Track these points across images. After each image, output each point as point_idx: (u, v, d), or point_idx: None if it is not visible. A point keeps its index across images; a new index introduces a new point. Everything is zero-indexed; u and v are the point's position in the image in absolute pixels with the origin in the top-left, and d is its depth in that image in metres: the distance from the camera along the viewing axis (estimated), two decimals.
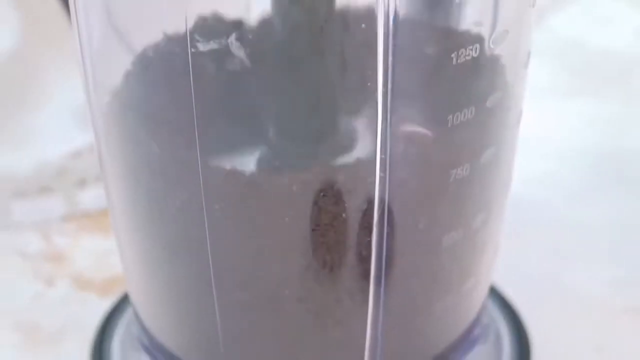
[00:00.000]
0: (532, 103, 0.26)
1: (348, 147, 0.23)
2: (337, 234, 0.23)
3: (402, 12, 0.21)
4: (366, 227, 0.23)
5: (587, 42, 0.47)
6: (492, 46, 0.23)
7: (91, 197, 0.36)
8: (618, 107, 0.42)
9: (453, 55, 0.22)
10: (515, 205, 0.28)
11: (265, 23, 0.22)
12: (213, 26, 0.23)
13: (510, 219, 0.27)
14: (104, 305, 0.31)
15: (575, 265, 0.33)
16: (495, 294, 0.31)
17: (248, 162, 0.23)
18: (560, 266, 0.33)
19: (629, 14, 0.49)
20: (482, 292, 0.27)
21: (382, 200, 0.23)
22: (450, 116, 0.23)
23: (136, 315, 0.28)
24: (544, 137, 0.39)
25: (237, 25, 0.23)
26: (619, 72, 0.44)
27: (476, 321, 0.27)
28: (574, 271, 0.33)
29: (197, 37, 0.22)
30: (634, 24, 0.48)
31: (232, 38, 0.22)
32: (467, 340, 0.27)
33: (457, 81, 0.23)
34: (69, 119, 0.37)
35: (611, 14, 0.49)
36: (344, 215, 0.23)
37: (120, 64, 0.24)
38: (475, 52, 0.22)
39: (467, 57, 0.22)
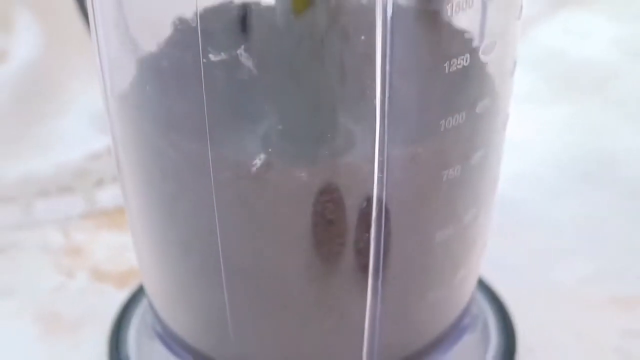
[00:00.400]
0: (515, 109, 0.26)
1: (348, 149, 0.23)
2: (338, 230, 0.23)
3: (398, 25, 0.21)
4: (365, 223, 0.23)
5: (567, 52, 0.47)
6: (481, 56, 0.23)
7: (108, 196, 0.35)
8: (595, 113, 0.42)
9: (445, 64, 0.22)
10: (501, 204, 0.28)
11: (270, 34, 0.22)
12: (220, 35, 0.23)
13: (496, 217, 0.27)
14: (121, 296, 0.31)
15: (556, 259, 0.33)
16: (483, 286, 0.31)
17: (255, 163, 0.23)
18: (542, 260, 0.33)
19: (605, 26, 0.49)
20: (471, 284, 0.27)
21: (380, 199, 0.23)
22: (443, 121, 0.23)
23: (150, 305, 0.28)
24: (526, 140, 0.39)
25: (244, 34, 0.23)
26: (595, 81, 0.44)
27: (466, 311, 0.27)
28: (555, 264, 0.33)
29: (208, 49, 0.22)
30: (609, 35, 0.48)
31: (241, 49, 0.22)
32: (457, 328, 0.27)
33: (449, 89, 0.23)
34: (87, 124, 0.37)
35: (589, 26, 0.49)
36: (344, 212, 0.23)
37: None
38: (466, 61, 0.22)
39: (459, 66, 0.22)
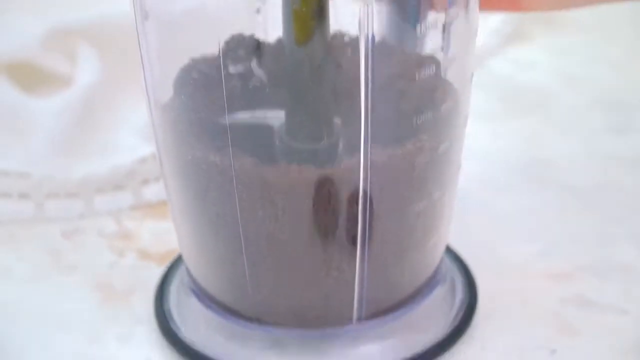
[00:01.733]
0: (474, 123, 0.26)
1: (341, 145, 0.23)
2: (335, 207, 0.23)
3: (378, 46, 0.21)
4: (355, 201, 0.23)
5: (514, 78, 0.47)
6: (446, 67, 0.23)
7: (152, 192, 0.35)
8: (536, 126, 0.42)
9: (416, 74, 0.22)
10: (463, 197, 0.28)
11: (279, 64, 0.22)
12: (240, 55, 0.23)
13: (459, 207, 0.27)
14: (162, 271, 0.31)
15: (505, 241, 0.33)
16: (450, 251, 0.30)
17: (269, 159, 0.23)
18: (495, 238, 0.32)
19: (547, 58, 0.49)
20: (441, 248, 0.27)
21: (366, 181, 0.23)
22: (415, 119, 0.23)
23: (187, 269, 0.28)
24: (482, 147, 0.39)
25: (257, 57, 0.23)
26: (537, 101, 0.45)
27: (437, 269, 0.27)
28: (504, 245, 0.32)
29: (227, 62, 0.22)
30: (547, 65, 0.48)
31: (255, 79, 0.22)
32: (430, 283, 0.27)
33: (420, 93, 0.23)
34: (136, 135, 0.37)
35: (533, 58, 0.49)
36: (339, 194, 0.23)
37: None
38: (433, 71, 0.22)
39: (426, 75, 0.22)
